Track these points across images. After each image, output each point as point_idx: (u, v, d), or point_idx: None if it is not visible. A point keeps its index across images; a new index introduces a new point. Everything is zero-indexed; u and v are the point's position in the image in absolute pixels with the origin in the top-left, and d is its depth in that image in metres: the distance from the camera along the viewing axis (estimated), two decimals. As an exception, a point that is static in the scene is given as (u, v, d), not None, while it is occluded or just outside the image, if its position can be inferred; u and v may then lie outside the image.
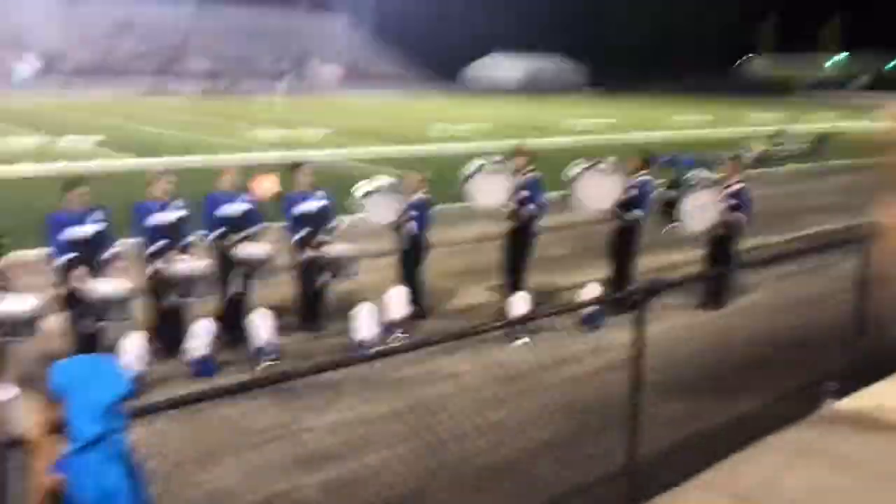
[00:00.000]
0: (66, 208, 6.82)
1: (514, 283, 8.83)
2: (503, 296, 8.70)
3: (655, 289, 4.73)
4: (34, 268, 7.90)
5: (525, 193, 8.75)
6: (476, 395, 5.95)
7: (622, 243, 9.08)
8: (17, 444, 2.73)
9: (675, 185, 10.04)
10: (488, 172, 8.83)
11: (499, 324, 5.22)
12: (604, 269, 9.40)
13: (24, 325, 6.13)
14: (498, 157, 9.03)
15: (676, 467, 5.09)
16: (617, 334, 6.35)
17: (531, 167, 8.95)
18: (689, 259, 9.99)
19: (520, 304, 8.12)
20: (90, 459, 2.50)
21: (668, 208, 9.31)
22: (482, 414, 5.81)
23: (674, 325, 7.70)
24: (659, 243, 10.14)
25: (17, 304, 6.13)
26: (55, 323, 6.83)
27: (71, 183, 6.91)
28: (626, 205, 8.94)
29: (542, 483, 5.17)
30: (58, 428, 2.63)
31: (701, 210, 8.91)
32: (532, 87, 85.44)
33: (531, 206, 8.76)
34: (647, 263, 9.70)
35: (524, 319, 6.97)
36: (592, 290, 8.40)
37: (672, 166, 14.50)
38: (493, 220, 12.86)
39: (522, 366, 6.98)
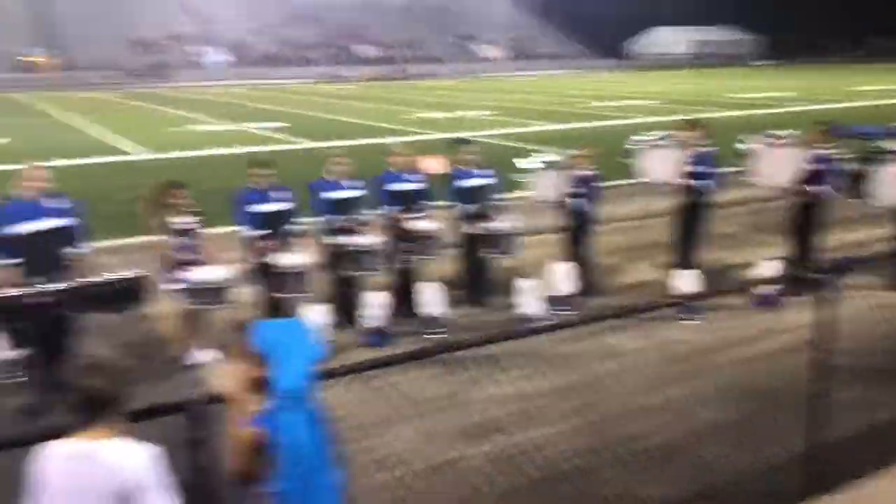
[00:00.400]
0: (254, 187, 7.34)
1: (683, 260, 8.54)
2: (672, 273, 8.45)
3: (841, 267, 4.42)
4: (226, 242, 8.60)
5: (697, 168, 8.42)
6: (643, 375, 5.84)
7: (804, 220, 8.54)
8: (218, 400, 2.99)
9: (863, 157, 9.28)
10: (657, 147, 8.57)
11: (669, 302, 5.08)
12: (779, 247, 8.88)
13: (217, 294, 6.69)
14: (665, 133, 8.73)
15: (858, 457, 4.77)
16: (794, 315, 6.01)
17: (705, 142, 8.59)
18: (876, 236, 9.24)
19: (689, 282, 7.86)
20: (288, 416, 2.68)
21: (856, 182, 8.64)
22: (649, 393, 5.71)
23: (859, 306, 7.16)
24: (844, 219, 9.45)
25: (212, 274, 6.71)
26: (244, 293, 7.40)
27: (260, 162, 7.42)
28: (808, 179, 8.38)
29: (712, 467, 5.02)
30: (255, 385, 2.84)
31: (894, 183, 8.21)
32: (700, 60, 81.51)
33: (703, 182, 8.42)
34: (830, 241, 9.06)
35: (695, 297, 6.74)
36: (769, 269, 7.97)
37: (858, 137, 13.38)
38: (659, 196, 12.50)
39: (692, 346, 6.78)
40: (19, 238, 6.11)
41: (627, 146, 8.76)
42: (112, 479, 2.48)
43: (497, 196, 8.51)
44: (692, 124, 8.71)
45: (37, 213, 6.19)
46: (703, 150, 8.52)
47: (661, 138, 8.67)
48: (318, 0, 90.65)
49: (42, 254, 6.13)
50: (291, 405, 2.70)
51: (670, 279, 8.32)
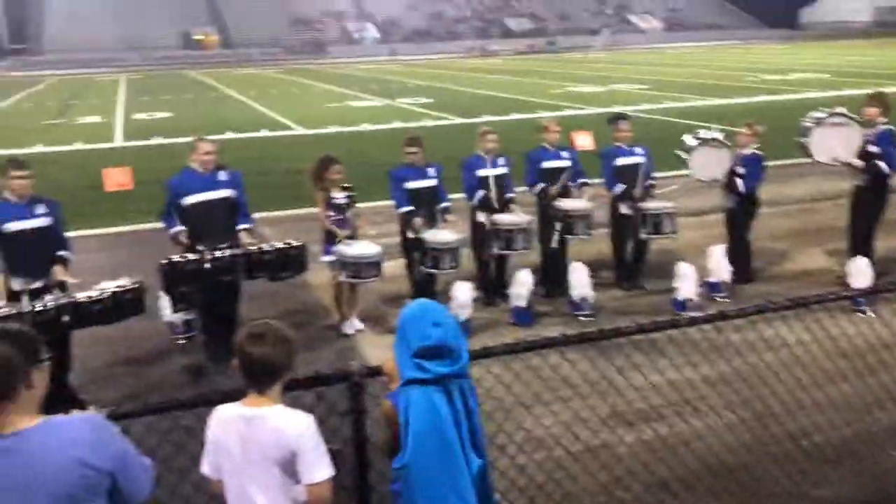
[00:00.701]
0: (408, 163, 7.43)
1: (858, 247, 7.87)
2: (844, 261, 7.82)
3: None
4: (379, 216, 8.80)
5: (878, 147, 7.71)
6: (809, 369, 5.43)
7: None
8: (373, 373, 3.03)
9: None
10: (833, 125, 7.90)
11: (842, 294, 4.68)
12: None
13: (369, 268, 6.85)
14: (839, 109, 8.02)
15: None
16: None
17: (885, 119, 7.85)
18: None
19: (863, 271, 7.24)
20: (415, 394, 2.66)
21: None
22: (817, 389, 5.32)
23: None
24: None
25: (365, 248, 6.86)
26: (394, 267, 7.55)
27: (412, 139, 7.49)
28: None
29: (889, 473, 4.61)
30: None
31: None
32: (885, 28, 74.83)
33: (883, 163, 7.70)
34: None
35: (871, 289, 6.19)
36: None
37: None
38: (834, 177, 11.61)
39: (865, 341, 6.24)
40: (189, 207, 6.49)
41: (803, 123, 8.10)
42: (278, 443, 2.57)
43: (653, 175, 8.18)
44: (875, 99, 7.95)
45: (205, 184, 6.55)
46: (884, 128, 7.78)
47: (837, 114, 7.97)
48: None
49: (210, 223, 6.49)
50: (415, 384, 2.68)
51: (842, 267, 7.72)
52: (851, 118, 7.88)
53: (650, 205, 7.82)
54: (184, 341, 6.96)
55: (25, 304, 5.24)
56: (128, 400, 5.75)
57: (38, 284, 5.61)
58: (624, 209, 7.92)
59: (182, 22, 73.52)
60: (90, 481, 2.20)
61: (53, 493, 2.16)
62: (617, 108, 21.43)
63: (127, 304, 5.53)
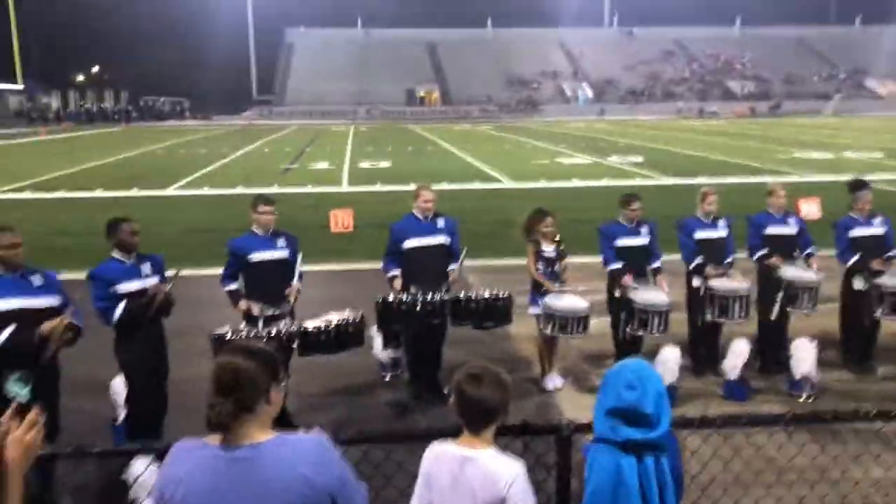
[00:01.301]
0: (620, 220, 7.33)
1: None
2: None
3: None
4: (584, 272, 8.71)
5: None
6: None
7: None
8: (581, 429, 2.97)
9: None
10: None
11: None
12: None
13: (576, 323, 6.76)
14: None
15: None
16: None
17: None
18: None
19: None
20: (601, 453, 2.59)
21: None
22: None
23: None
24: None
25: (574, 303, 6.80)
26: (601, 324, 7.41)
27: (628, 197, 7.36)
28: None
29: None
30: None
31: None
32: None
33: None
34: None
35: None
36: None
37: None
38: None
39: None
40: (408, 251, 6.82)
41: None
42: (488, 487, 2.59)
43: (893, 248, 7.45)
44: None
45: (426, 230, 6.86)
46: None
47: None
48: (695, 34, 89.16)
49: (425, 267, 6.77)
50: (604, 442, 2.59)
51: None
52: None
53: (889, 281, 7.11)
54: (390, 377, 7.25)
55: (261, 329, 5.72)
56: (338, 428, 6.06)
57: (273, 311, 6.12)
58: (858, 284, 7.26)
59: (407, 80, 78.45)
60: (313, 500, 2.31)
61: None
62: (848, 176, 19.86)
63: (348, 337, 5.87)
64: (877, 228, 7.42)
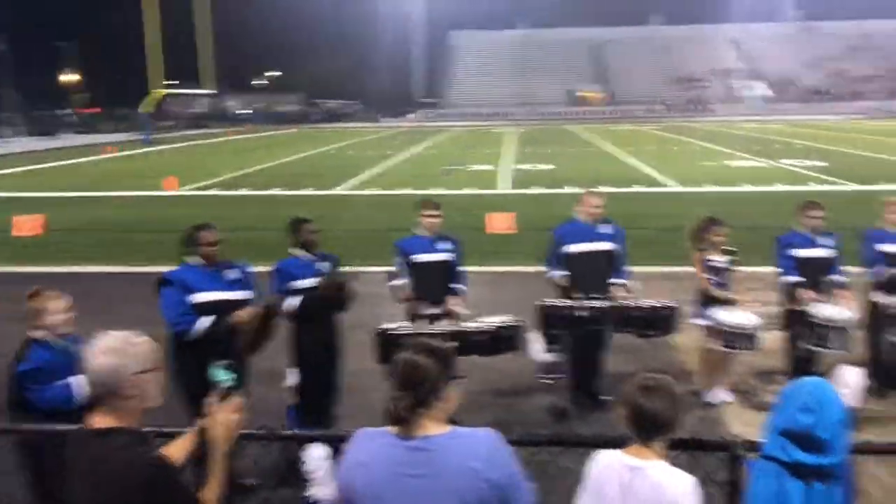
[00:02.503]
0: (798, 230, 6.94)
1: None
2: None
3: None
4: (760, 283, 8.32)
5: None
6: None
7: None
8: (753, 448, 2.89)
9: None
10: None
11: None
12: None
13: (745, 339, 6.49)
14: None
15: None
16: None
17: None
18: None
19: None
20: (766, 471, 2.52)
21: None
22: None
23: None
24: None
25: (744, 318, 6.52)
26: (774, 339, 7.06)
27: (810, 204, 6.96)
28: None
29: None
30: None
31: None
32: None
33: None
34: None
35: None
36: None
37: None
38: None
39: None
40: (572, 256, 6.81)
41: None
42: (660, 498, 2.58)
43: None
44: None
45: (590, 235, 6.82)
46: None
47: None
48: (883, 27, 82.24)
49: (589, 272, 6.73)
50: (772, 460, 2.50)
51: None
52: None
53: None
54: (550, 381, 7.26)
55: (424, 327, 5.93)
56: (496, 428, 6.18)
57: (436, 311, 6.33)
58: None
59: (568, 80, 77.79)
60: (483, 493, 2.39)
61: (451, 497, 2.39)
62: None
63: (506, 340, 5.96)
64: None
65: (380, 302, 7.96)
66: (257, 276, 5.66)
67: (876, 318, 6.85)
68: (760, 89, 74.60)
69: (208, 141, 50.82)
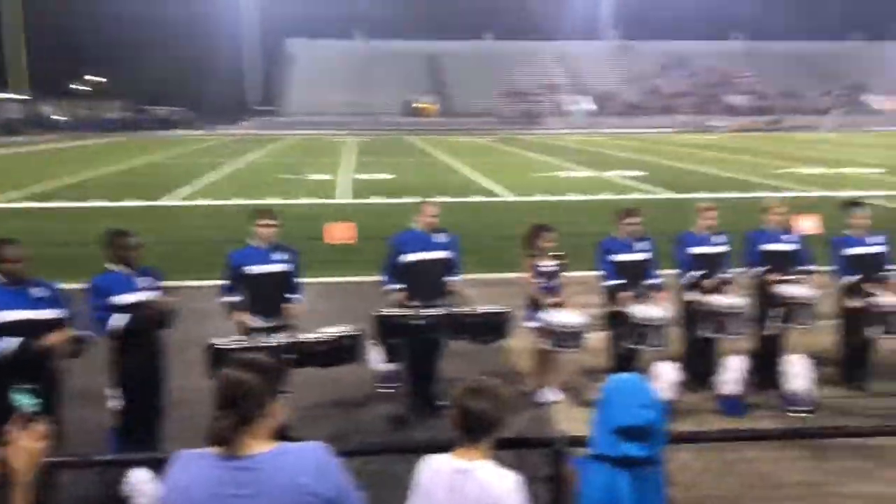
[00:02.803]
0: (617, 236, 7.37)
1: None
2: None
3: None
4: (585, 287, 8.73)
5: None
6: None
7: None
8: (576, 443, 3.01)
9: None
10: None
11: None
12: None
13: (572, 337, 6.81)
14: None
15: None
16: None
17: None
18: None
19: None
20: (599, 468, 2.63)
21: None
22: None
23: None
24: None
25: (569, 318, 6.84)
26: (597, 340, 7.44)
27: (628, 211, 7.42)
28: None
29: None
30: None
31: None
32: None
33: None
34: None
35: None
36: None
37: None
38: None
39: None
40: (409, 265, 6.86)
41: None
42: (487, 498, 2.62)
43: (888, 265, 7.50)
44: None
45: (427, 243, 6.91)
46: None
47: None
48: (693, 48, 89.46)
49: (426, 281, 6.81)
50: (603, 459, 2.62)
51: None
52: None
53: (885, 300, 7.15)
54: (388, 390, 7.27)
55: (259, 340, 5.76)
56: (335, 440, 6.10)
57: (272, 323, 6.16)
58: (853, 302, 7.30)
59: (405, 91, 78.63)
60: None
61: None
62: (846, 193, 19.94)
63: (346, 351, 5.90)
64: (871, 247, 7.46)
65: (211, 317, 7.65)
66: (69, 294, 5.27)
67: (689, 316, 7.40)
68: (585, 104, 78.91)
69: (21, 149, 46.91)
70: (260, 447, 2.39)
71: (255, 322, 6.15)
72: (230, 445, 2.35)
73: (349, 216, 16.24)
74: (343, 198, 22.96)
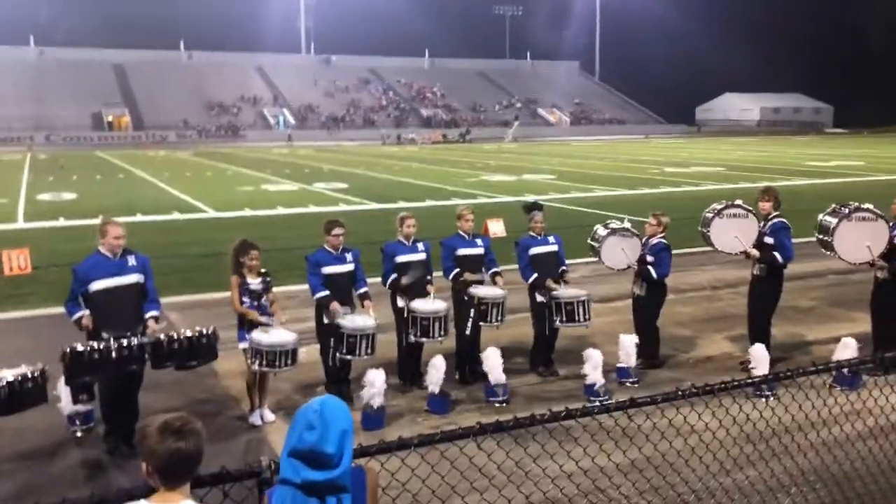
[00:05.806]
0: (325, 248, 7.42)
1: (757, 333, 8.23)
2: (745, 346, 8.16)
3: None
4: (293, 301, 8.68)
5: (769, 240, 8.18)
6: (718, 454, 5.59)
7: (888, 297, 8.16)
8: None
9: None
10: (728, 216, 8.36)
11: (747, 381, 4.86)
12: (860, 323, 8.49)
13: (285, 357, 6.67)
14: (738, 201, 8.50)
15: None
16: (877, 397, 5.70)
17: (777, 212, 8.35)
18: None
19: (762, 358, 7.57)
20: (285, 494, 2.55)
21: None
22: (725, 475, 5.46)
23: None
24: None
25: (281, 337, 6.69)
26: (308, 353, 7.42)
27: (331, 223, 7.48)
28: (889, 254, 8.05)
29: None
30: None
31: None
32: (770, 127, 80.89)
33: (776, 253, 8.16)
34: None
35: (776, 378, 6.45)
36: (847, 347, 7.62)
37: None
38: (729, 266, 12.20)
39: (768, 425, 6.47)
40: (97, 294, 6.23)
41: (704, 214, 8.53)
42: None
43: (565, 263, 8.42)
44: (767, 194, 8.48)
45: (117, 269, 6.32)
46: (776, 220, 8.28)
47: (735, 206, 8.44)
48: (389, 63, 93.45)
49: (118, 310, 6.24)
50: (287, 484, 2.55)
51: (744, 352, 8.05)
52: (748, 210, 8.35)
53: (564, 293, 8.01)
54: (81, 433, 6.59)
55: None
56: (23, 498, 5.38)
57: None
58: (539, 297, 8.08)
59: (93, 104, 72.33)
60: None
61: None
62: (528, 197, 22.11)
63: (28, 395, 5.23)
64: (551, 246, 8.32)
65: None
66: None
67: (398, 321, 7.68)
68: (286, 116, 78.75)
69: None
70: None
71: None
72: None
73: (27, 242, 14.51)
74: (20, 222, 20.43)
